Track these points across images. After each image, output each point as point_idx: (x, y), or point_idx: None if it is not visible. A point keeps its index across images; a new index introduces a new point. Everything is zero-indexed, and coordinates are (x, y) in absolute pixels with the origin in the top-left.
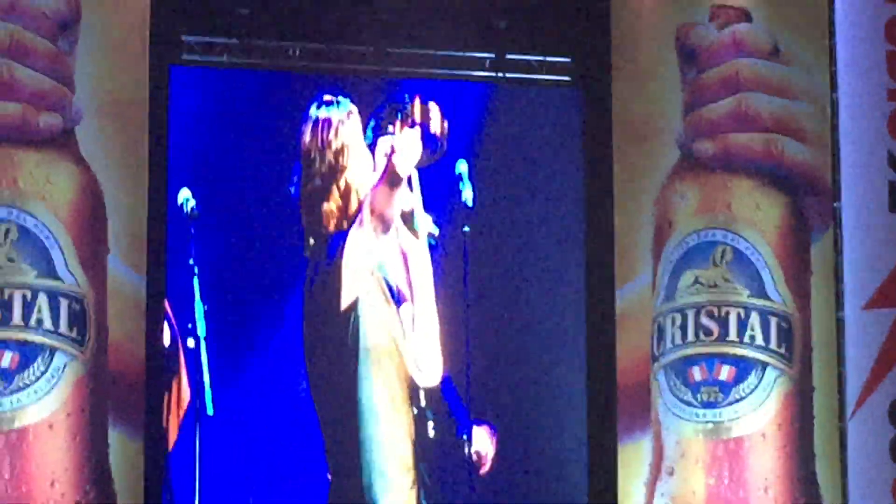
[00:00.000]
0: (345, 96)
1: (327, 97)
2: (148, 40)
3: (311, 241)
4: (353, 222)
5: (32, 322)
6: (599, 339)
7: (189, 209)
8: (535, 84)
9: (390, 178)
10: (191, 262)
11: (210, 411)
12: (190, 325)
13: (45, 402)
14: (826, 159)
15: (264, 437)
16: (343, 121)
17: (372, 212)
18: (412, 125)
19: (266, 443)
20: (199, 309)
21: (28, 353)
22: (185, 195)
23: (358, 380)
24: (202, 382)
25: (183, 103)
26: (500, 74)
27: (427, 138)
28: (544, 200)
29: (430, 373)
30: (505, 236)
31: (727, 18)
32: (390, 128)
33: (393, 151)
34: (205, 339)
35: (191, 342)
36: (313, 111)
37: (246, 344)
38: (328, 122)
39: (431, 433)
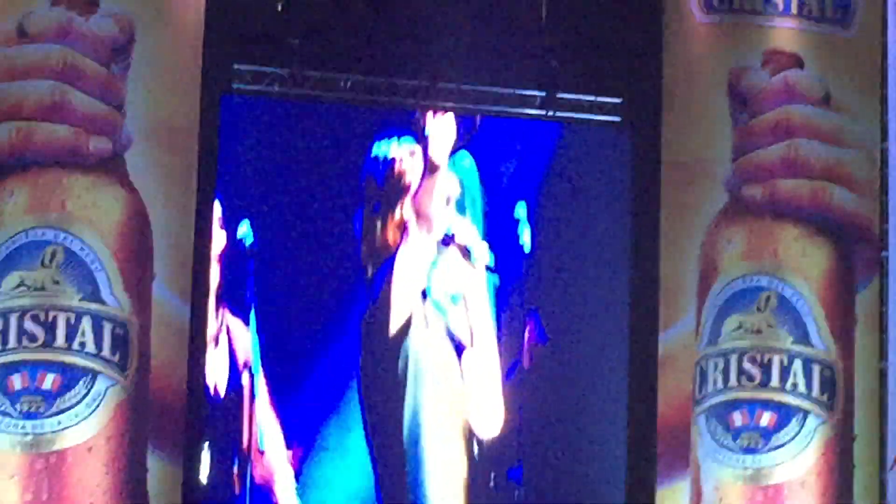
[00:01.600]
0: (399, 130)
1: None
2: (200, 67)
3: (370, 271)
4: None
5: (76, 345)
6: (642, 381)
7: (248, 245)
8: (585, 123)
9: (429, 167)
10: (246, 296)
11: (262, 446)
12: (244, 362)
13: (86, 426)
14: (874, 208)
15: (316, 468)
16: (405, 158)
17: (417, 215)
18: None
19: (318, 473)
20: (254, 344)
21: (70, 376)
22: (244, 230)
23: (405, 407)
24: (254, 417)
25: (233, 131)
26: (551, 113)
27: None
28: (590, 240)
29: (490, 423)
30: (550, 275)
31: (779, 64)
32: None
33: (427, 140)
34: (260, 373)
35: (245, 378)
36: (376, 148)
37: (301, 377)
38: (390, 159)
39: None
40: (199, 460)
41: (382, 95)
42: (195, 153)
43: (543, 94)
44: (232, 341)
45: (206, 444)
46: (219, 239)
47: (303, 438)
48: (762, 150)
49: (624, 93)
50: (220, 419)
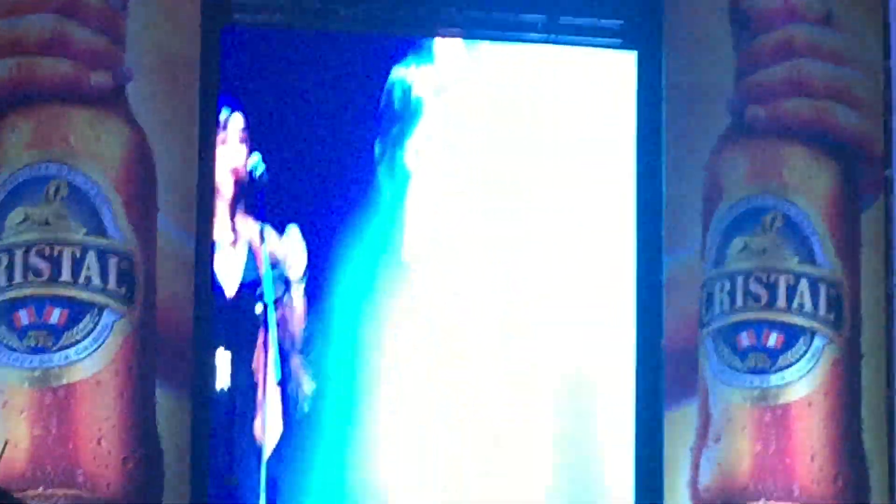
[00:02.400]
0: (406, 56)
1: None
2: None
3: (388, 196)
4: None
5: (81, 279)
6: (648, 305)
7: (258, 175)
8: (586, 47)
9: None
10: (259, 227)
11: (277, 377)
12: (258, 291)
13: (93, 359)
14: (878, 127)
15: (334, 405)
16: (414, 83)
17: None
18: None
19: (338, 409)
20: (267, 274)
21: (77, 310)
22: (254, 160)
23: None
24: (268, 349)
25: (234, 63)
26: (552, 37)
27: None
28: (593, 165)
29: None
30: (554, 201)
31: None
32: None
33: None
34: (273, 303)
35: (258, 308)
36: (385, 75)
37: (317, 306)
38: (398, 85)
39: None
40: (208, 393)
41: (384, 23)
42: (197, 86)
43: (544, 18)
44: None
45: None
46: (226, 167)
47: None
48: (765, 71)
49: (625, 15)
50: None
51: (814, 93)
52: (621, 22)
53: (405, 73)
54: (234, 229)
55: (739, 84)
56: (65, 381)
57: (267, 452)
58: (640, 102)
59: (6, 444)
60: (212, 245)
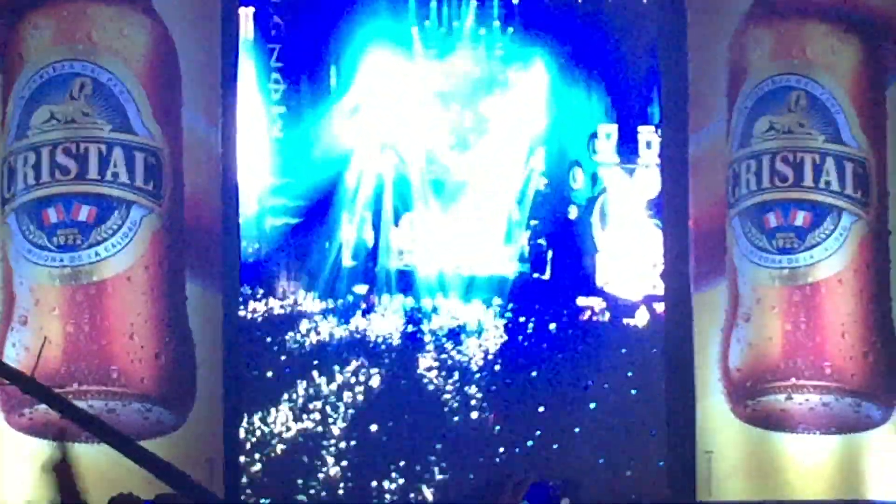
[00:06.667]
0: None
1: None
2: None
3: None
4: None
5: (108, 176)
6: (673, 183)
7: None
8: None
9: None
10: None
11: None
12: None
13: (123, 255)
14: None
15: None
16: None
17: None
18: None
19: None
20: None
21: (105, 207)
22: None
23: None
24: None
25: None
26: None
27: None
28: (617, 45)
29: None
30: (579, 80)
31: None
32: None
33: None
34: None
35: None
36: None
37: None
38: None
39: None
40: (237, 285)
41: None
42: None
43: None
44: None
45: None
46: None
47: None
48: None
49: None
50: None
51: None
52: None
53: None
54: None
55: None
56: (95, 279)
57: None
58: None
59: (44, 342)
60: (236, 135)
